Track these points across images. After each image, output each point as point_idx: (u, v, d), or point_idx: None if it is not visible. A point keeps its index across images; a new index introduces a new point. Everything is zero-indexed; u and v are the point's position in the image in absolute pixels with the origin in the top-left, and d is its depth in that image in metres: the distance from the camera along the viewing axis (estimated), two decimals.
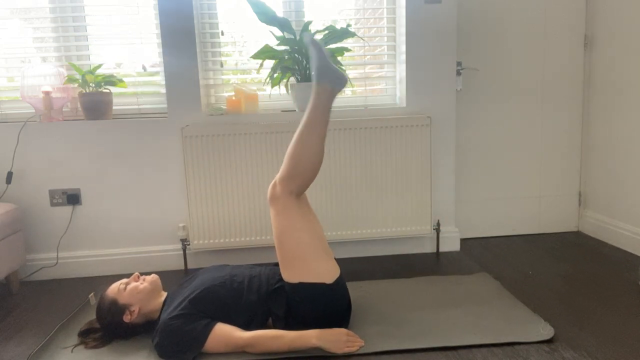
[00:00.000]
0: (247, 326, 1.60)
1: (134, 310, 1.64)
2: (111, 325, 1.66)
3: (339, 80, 1.59)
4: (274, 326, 1.63)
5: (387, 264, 2.43)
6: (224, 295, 1.62)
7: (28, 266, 2.40)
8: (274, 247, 2.46)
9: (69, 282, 2.36)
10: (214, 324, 1.56)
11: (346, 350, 1.55)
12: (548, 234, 2.86)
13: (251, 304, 1.63)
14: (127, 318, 1.64)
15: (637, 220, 2.44)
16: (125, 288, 1.66)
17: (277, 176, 1.64)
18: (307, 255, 1.60)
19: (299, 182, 1.61)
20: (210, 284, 1.64)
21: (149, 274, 1.76)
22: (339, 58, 2.37)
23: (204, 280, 1.68)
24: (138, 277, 1.72)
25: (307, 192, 2.39)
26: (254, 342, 1.54)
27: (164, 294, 1.74)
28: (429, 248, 2.60)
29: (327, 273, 1.60)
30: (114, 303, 1.64)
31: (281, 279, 1.67)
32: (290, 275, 1.61)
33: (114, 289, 1.68)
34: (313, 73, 1.61)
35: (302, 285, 1.59)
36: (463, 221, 2.80)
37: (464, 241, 2.74)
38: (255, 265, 1.80)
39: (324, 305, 1.60)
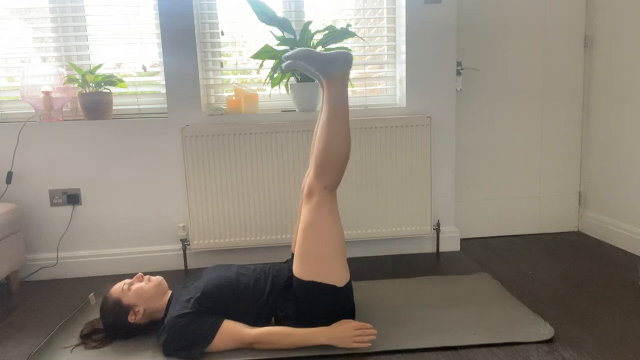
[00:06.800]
0: (252, 325, 1.61)
1: (138, 311, 1.65)
2: (114, 325, 1.66)
3: (343, 61, 1.56)
4: (280, 324, 1.64)
5: (387, 264, 2.42)
6: (230, 294, 1.63)
7: (28, 266, 2.40)
8: (274, 247, 2.48)
9: (69, 282, 2.36)
10: (222, 321, 1.57)
11: (355, 345, 1.54)
12: (548, 234, 2.85)
13: (257, 304, 1.64)
14: (131, 318, 1.65)
15: (637, 220, 2.44)
16: (129, 288, 1.66)
17: (311, 172, 1.61)
18: (326, 256, 1.58)
19: (331, 174, 1.57)
20: (217, 282, 1.65)
21: (150, 274, 1.76)
22: None
23: (210, 279, 1.68)
24: (142, 277, 1.71)
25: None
26: (262, 339, 1.55)
27: (169, 293, 1.74)
28: (429, 248, 2.60)
29: (339, 276, 1.59)
30: (118, 303, 1.64)
31: (290, 277, 1.67)
32: (304, 272, 1.59)
33: (117, 289, 1.68)
34: (318, 75, 1.58)
35: (312, 284, 1.58)
36: (463, 221, 2.80)
37: (464, 241, 2.74)
38: (260, 265, 1.80)
39: (331, 306, 1.60)
